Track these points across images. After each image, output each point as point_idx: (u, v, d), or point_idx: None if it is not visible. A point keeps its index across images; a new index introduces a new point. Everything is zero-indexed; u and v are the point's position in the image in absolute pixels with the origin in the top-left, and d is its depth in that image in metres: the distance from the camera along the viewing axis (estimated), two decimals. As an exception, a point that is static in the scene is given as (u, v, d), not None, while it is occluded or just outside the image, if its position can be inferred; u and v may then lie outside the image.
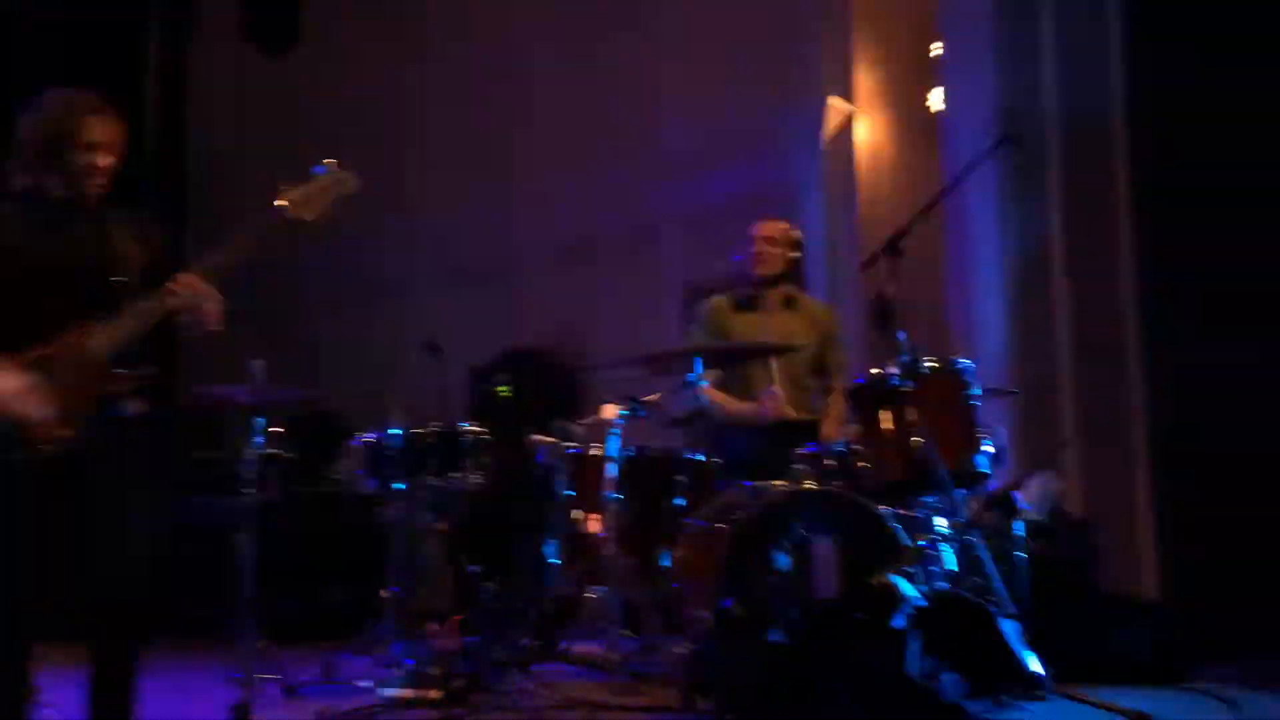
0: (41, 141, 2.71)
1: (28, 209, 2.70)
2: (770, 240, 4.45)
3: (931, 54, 5.89)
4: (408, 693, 3.36)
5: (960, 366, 3.50)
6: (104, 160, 2.72)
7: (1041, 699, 2.93)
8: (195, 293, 2.64)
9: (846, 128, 6.19)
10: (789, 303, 4.46)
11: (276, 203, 2.85)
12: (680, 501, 3.71)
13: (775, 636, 2.93)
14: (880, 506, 3.39)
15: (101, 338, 2.57)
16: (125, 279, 2.64)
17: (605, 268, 7.06)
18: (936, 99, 5.97)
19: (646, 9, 7.13)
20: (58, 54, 7.17)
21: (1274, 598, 4.03)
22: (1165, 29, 4.60)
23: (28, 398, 2.46)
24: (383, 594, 4.08)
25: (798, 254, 4.52)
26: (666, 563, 3.57)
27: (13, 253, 2.62)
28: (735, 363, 4.27)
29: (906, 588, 2.96)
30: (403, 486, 4.11)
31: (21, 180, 2.71)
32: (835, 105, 6.14)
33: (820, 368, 4.40)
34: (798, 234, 4.57)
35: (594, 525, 3.80)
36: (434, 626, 3.73)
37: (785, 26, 6.51)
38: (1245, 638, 3.79)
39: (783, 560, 3.22)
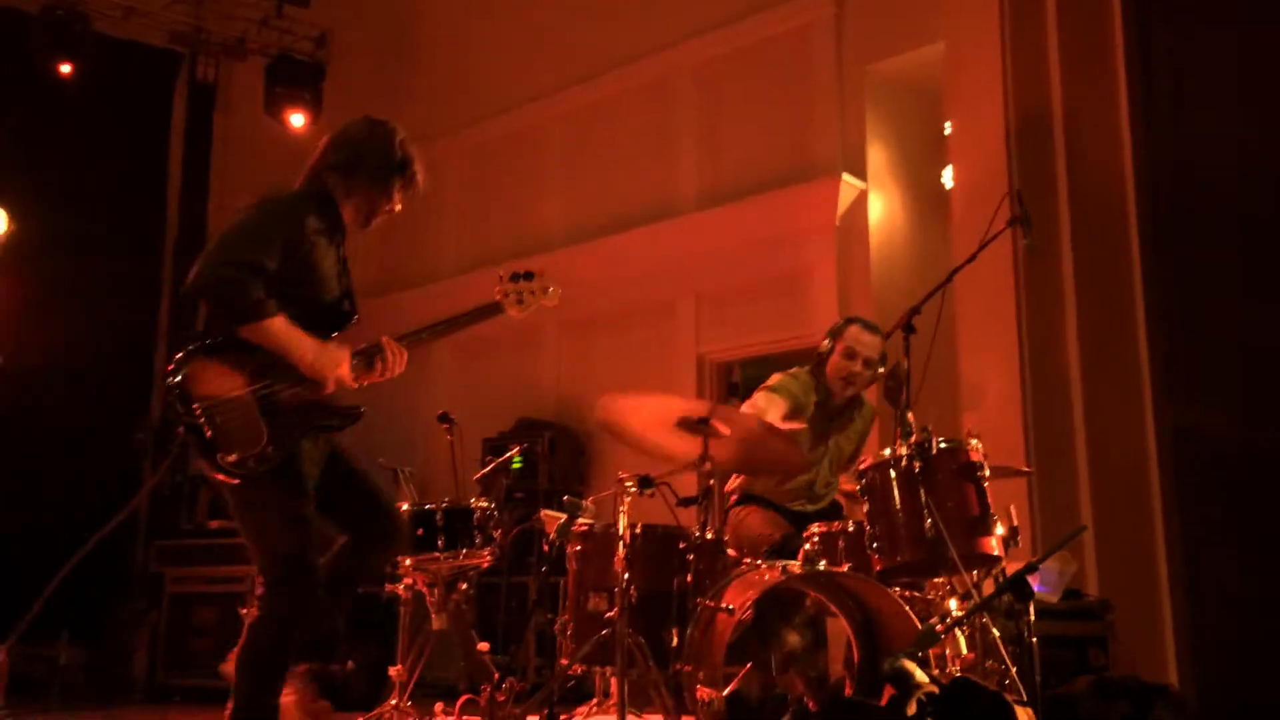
0: (387, 168, 3.20)
1: (333, 237, 3.15)
2: (869, 363, 4.28)
3: (944, 132, 5.97)
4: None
5: (972, 446, 3.48)
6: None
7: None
8: (396, 351, 3.15)
9: (860, 204, 6.25)
10: (852, 408, 4.41)
11: (497, 295, 3.34)
12: (690, 580, 3.68)
13: (786, 721, 2.89)
14: (892, 588, 3.35)
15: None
16: (356, 315, 3.20)
17: (620, 341, 7.10)
18: (948, 176, 6.03)
19: (659, 87, 7.26)
20: (90, 118, 7.36)
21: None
22: (1180, 104, 4.64)
23: (347, 369, 3.05)
24: (391, 671, 4.04)
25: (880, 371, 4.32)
26: (676, 643, 3.53)
27: (328, 281, 3.12)
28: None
29: (918, 673, 2.91)
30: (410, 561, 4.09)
31: (351, 199, 3.19)
32: (848, 182, 6.21)
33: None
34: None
35: (603, 603, 3.77)
36: (441, 705, 3.68)
37: (799, 104, 6.61)
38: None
39: (794, 642, 3.18)
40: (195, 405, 2.89)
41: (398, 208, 3.27)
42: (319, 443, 3.09)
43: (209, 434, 2.89)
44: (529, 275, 3.38)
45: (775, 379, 4.31)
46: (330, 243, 3.15)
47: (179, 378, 2.91)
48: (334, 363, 3.02)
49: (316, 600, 2.98)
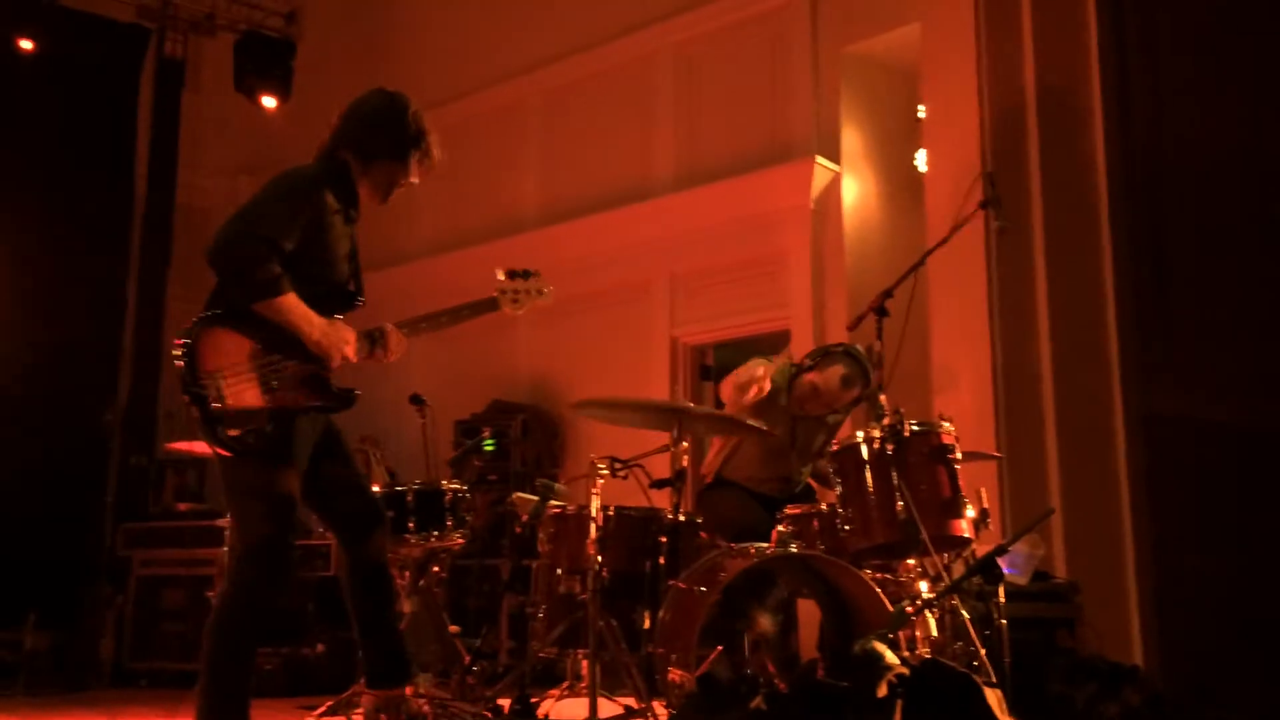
0: (404, 141, 3.18)
1: (349, 217, 3.17)
2: (832, 409, 4.26)
3: (919, 115, 5.97)
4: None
5: (944, 429, 3.49)
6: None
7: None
8: (399, 337, 3.21)
9: (834, 187, 6.25)
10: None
11: (494, 293, 3.34)
12: (662, 562, 3.69)
13: (757, 703, 2.89)
14: (864, 570, 3.36)
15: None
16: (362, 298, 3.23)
17: (593, 323, 7.08)
18: (922, 160, 6.04)
19: (635, 67, 7.22)
20: (54, 94, 7.24)
21: (1260, 661, 4.00)
22: (1153, 89, 4.66)
23: (353, 349, 3.09)
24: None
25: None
26: (648, 624, 3.53)
27: (339, 263, 3.15)
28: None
29: (889, 654, 2.93)
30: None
31: (368, 175, 3.18)
32: (822, 165, 6.20)
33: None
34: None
35: (575, 585, 3.76)
36: (410, 689, 3.66)
37: (774, 86, 6.59)
38: (1231, 701, 3.75)
39: (766, 624, 3.19)
40: (202, 377, 2.92)
41: (415, 181, 3.26)
42: (315, 423, 3.11)
43: (214, 406, 2.92)
44: (526, 274, 3.39)
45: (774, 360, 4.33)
46: (345, 223, 3.18)
47: (188, 346, 2.94)
48: (341, 341, 3.06)
49: (286, 577, 3.03)
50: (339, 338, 3.05)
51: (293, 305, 2.98)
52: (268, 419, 2.95)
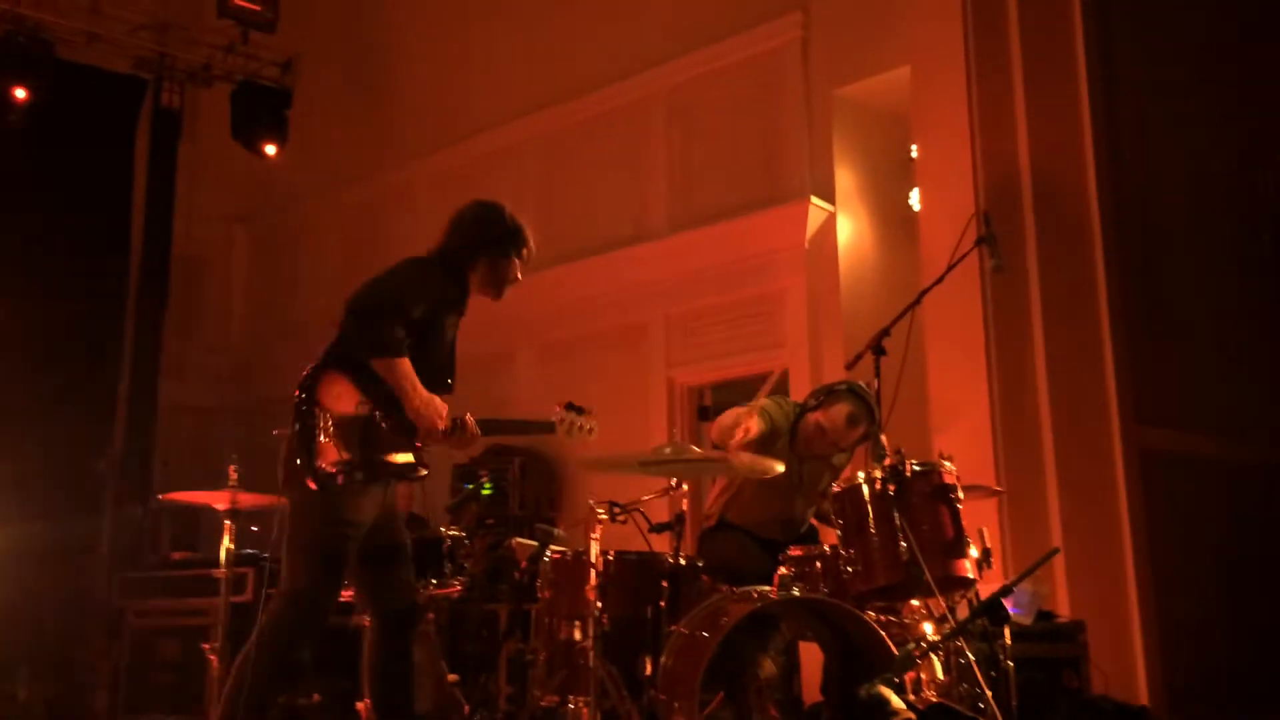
0: (506, 239, 3.53)
1: (459, 309, 3.49)
2: (837, 447, 4.22)
3: (916, 154, 6.01)
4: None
5: (945, 468, 3.47)
6: None
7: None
8: (475, 431, 3.45)
9: (829, 227, 6.27)
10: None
11: (555, 419, 3.61)
12: (663, 607, 3.64)
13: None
14: (867, 613, 3.33)
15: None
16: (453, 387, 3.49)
17: (590, 364, 7.07)
18: (916, 199, 6.07)
19: (630, 112, 7.27)
20: (51, 145, 7.28)
21: (1264, 699, 3.96)
22: (1143, 124, 4.71)
23: (444, 424, 3.33)
24: (359, 705, 3.96)
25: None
26: (650, 670, 3.49)
27: (444, 348, 3.46)
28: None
29: (895, 698, 2.89)
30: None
31: (477, 271, 3.50)
32: (817, 206, 6.23)
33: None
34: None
35: (575, 631, 3.72)
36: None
37: (768, 128, 6.64)
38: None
39: (769, 669, 3.15)
40: (316, 409, 3.19)
41: (519, 276, 3.61)
42: (387, 490, 3.35)
43: (320, 438, 3.15)
44: (581, 410, 3.66)
45: (762, 400, 4.28)
46: (455, 315, 3.50)
47: (310, 380, 3.23)
48: (437, 415, 3.32)
49: (319, 624, 3.24)
50: (436, 411, 3.32)
51: (406, 370, 3.25)
52: (359, 466, 3.19)
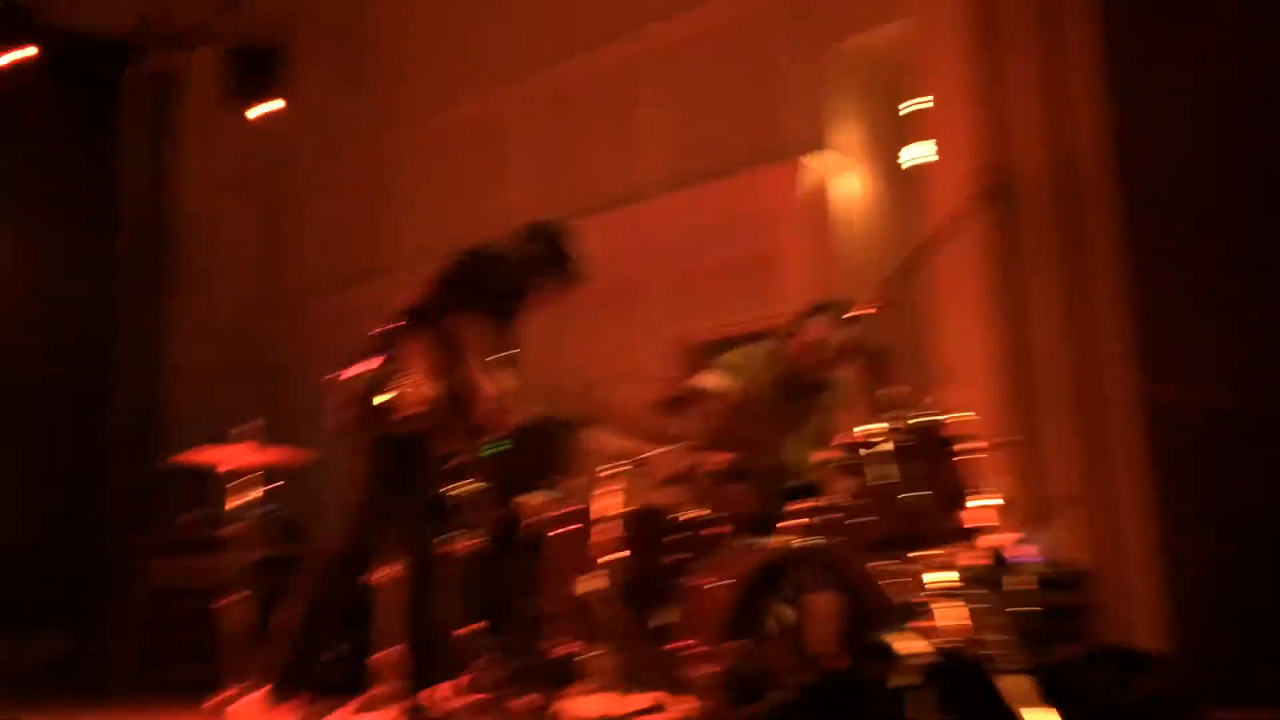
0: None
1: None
2: (824, 350, 4.36)
3: (909, 109, 5.99)
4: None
5: (952, 420, 3.50)
6: None
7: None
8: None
9: (828, 182, 6.26)
10: (818, 386, 4.43)
11: None
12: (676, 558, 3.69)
13: (777, 696, 2.90)
14: (876, 562, 3.38)
15: None
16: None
17: (592, 325, 7.08)
18: (914, 153, 6.06)
19: (624, 73, 7.23)
20: (40, 109, 7.22)
21: (1276, 649, 4.02)
22: (1146, 71, 4.68)
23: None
24: (374, 658, 4.01)
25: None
26: (665, 622, 3.54)
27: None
28: None
29: (907, 646, 2.94)
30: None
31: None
32: (815, 161, 6.22)
33: None
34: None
35: (591, 584, 3.77)
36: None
37: (764, 84, 6.61)
38: (1251, 687, 3.78)
39: (786, 617, 3.20)
40: (397, 363, 3.57)
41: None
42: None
43: (396, 391, 3.50)
44: None
45: (728, 357, 4.36)
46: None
47: (389, 335, 3.65)
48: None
49: (363, 563, 3.58)
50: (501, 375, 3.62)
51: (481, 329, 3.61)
52: (422, 424, 3.47)
